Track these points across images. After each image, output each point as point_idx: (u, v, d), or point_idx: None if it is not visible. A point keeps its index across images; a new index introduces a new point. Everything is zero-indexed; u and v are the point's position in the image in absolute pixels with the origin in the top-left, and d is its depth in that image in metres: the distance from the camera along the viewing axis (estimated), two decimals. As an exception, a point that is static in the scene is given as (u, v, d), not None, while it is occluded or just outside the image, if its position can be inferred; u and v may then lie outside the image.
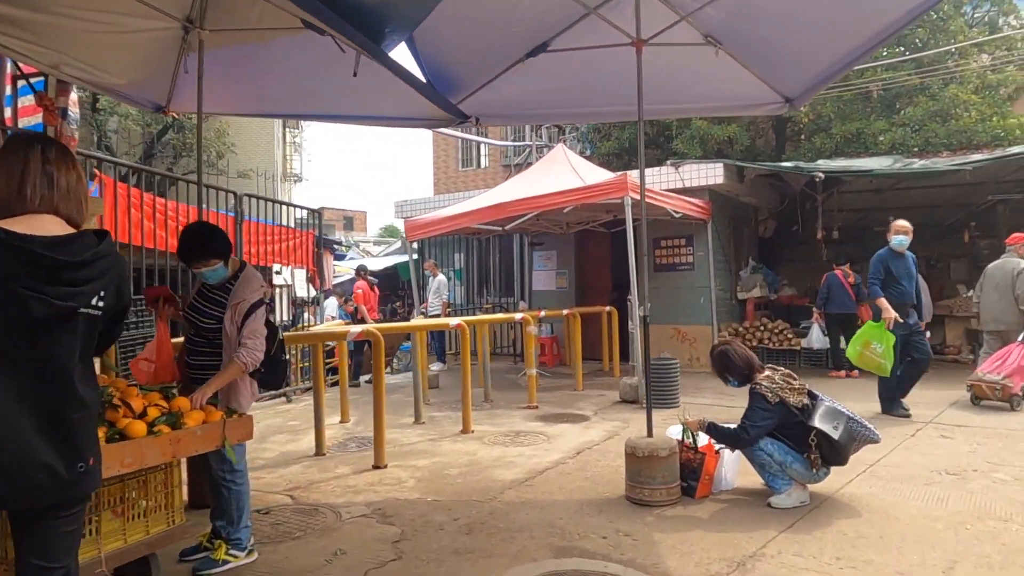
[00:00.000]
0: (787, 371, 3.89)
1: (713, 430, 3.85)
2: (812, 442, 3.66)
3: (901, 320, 5.99)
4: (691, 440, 4.10)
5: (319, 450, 5.31)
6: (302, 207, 8.61)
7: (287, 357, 3.36)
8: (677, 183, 10.27)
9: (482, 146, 20.44)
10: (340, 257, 23.51)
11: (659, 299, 10.79)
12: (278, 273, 8.03)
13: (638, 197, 8.13)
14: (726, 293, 11.05)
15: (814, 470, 3.70)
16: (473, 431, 6.02)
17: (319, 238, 8.99)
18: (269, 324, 3.23)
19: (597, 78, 4.72)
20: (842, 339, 9.11)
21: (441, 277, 10.56)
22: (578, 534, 3.45)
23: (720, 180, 9.96)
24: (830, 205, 12.30)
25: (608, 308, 9.56)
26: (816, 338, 9.22)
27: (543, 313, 8.46)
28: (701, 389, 8.25)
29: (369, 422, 6.69)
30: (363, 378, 9.65)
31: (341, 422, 6.61)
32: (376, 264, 20.13)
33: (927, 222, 13.76)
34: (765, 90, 4.79)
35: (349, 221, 46.35)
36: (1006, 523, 3.45)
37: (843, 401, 7.25)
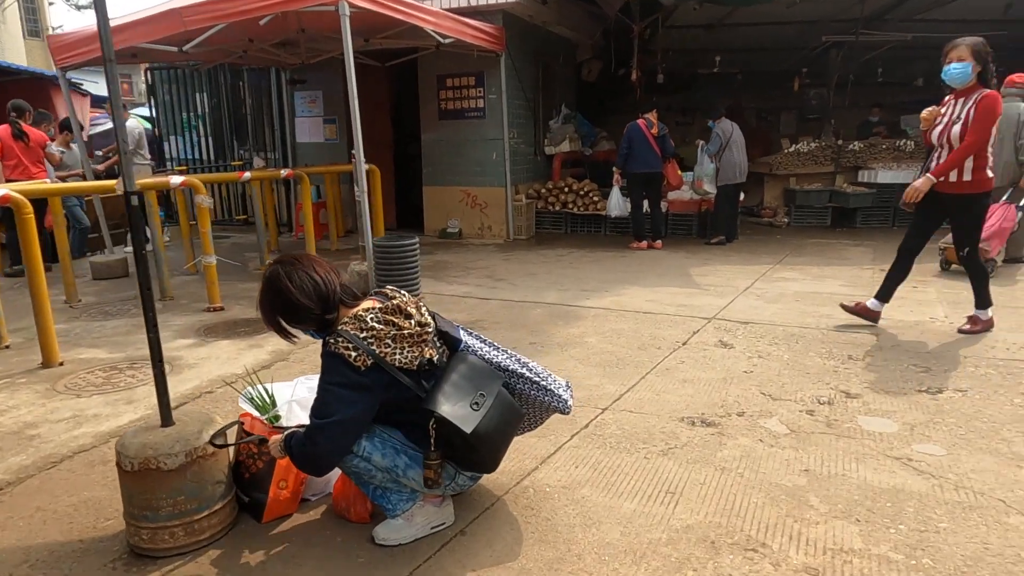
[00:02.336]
0: (403, 299, 2.02)
1: (289, 446, 1.97)
2: (431, 435, 1.92)
3: None
4: (267, 416, 2.28)
5: None
6: None
7: None
8: (464, 1, 7.91)
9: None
10: (102, 100, 18.59)
11: (445, 154, 8.74)
12: None
13: (365, 4, 5.83)
14: (529, 147, 9.20)
15: (433, 484, 1.98)
16: (61, 363, 3.89)
17: None
18: None
19: None
20: (646, 203, 7.65)
21: (133, 123, 7.73)
22: None
23: (515, -2, 7.72)
24: (655, 44, 10.55)
25: (369, 166, 7.38)
26: (615, 204, 7.66)
27: (247, 175, 6.11)
28: (471, 271, 6.53)
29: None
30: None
31: None
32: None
33: (760, 68, 12.47)
34: None
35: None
36: (752, 557, 1.98)
37: (644, 280, 5.73)
